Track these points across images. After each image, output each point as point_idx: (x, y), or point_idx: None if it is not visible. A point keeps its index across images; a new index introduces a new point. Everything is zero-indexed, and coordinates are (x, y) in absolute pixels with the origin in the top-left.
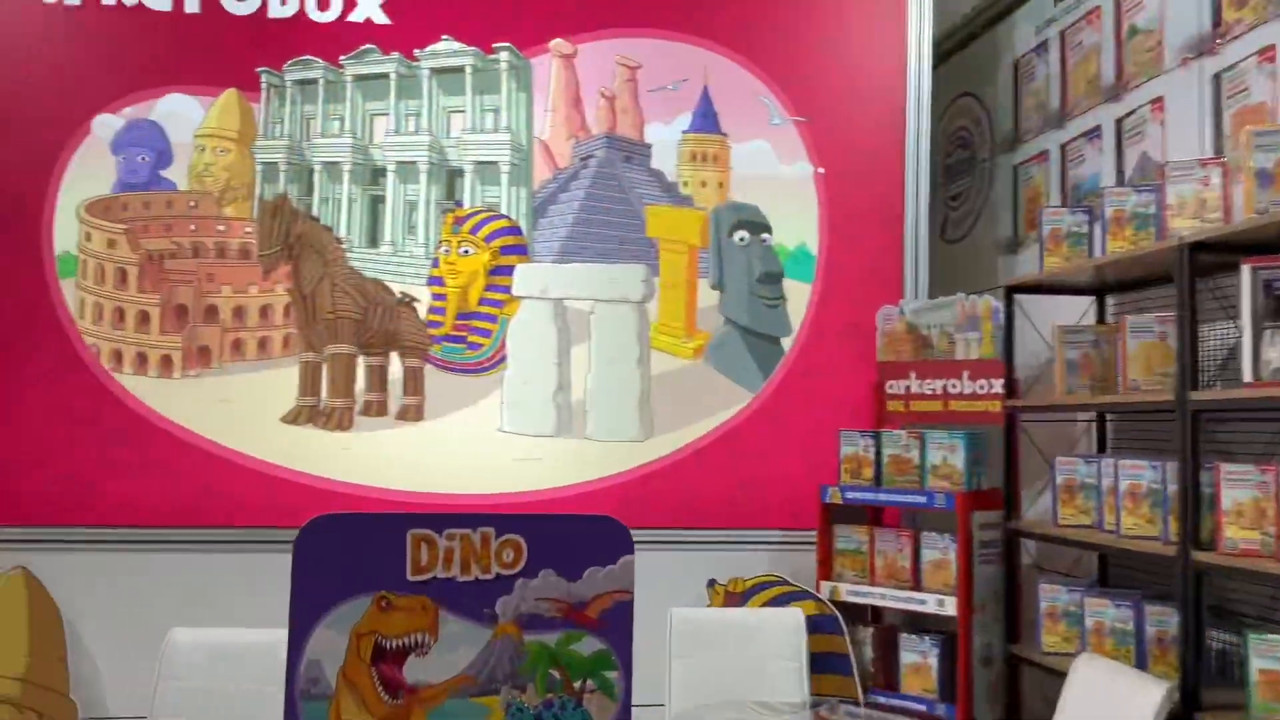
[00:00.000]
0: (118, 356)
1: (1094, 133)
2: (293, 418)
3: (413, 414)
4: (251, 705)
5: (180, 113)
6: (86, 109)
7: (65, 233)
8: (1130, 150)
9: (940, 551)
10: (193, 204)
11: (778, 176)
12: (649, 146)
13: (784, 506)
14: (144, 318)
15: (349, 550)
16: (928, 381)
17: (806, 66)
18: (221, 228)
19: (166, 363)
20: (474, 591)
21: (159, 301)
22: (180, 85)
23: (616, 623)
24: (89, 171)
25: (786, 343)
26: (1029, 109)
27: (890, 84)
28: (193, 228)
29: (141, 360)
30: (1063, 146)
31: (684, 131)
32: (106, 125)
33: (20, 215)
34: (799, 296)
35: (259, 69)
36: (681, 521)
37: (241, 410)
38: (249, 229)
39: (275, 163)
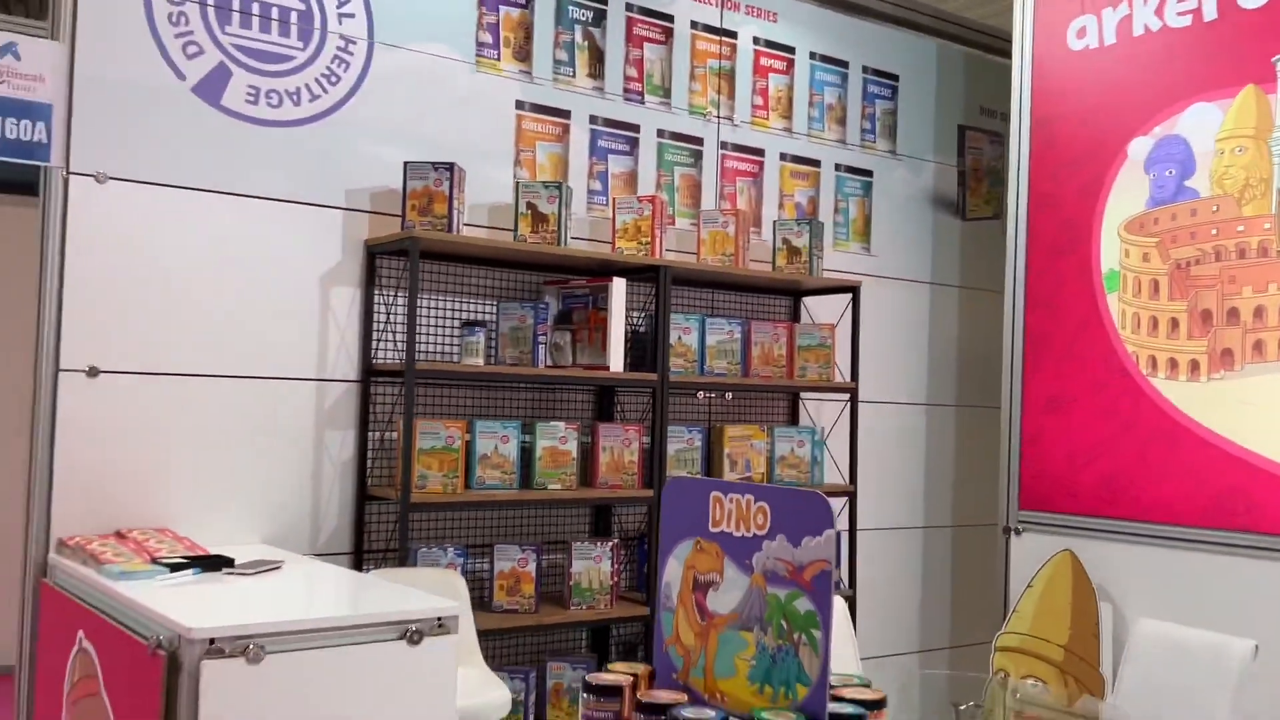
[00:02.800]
0: (1153, 362)
1: None
2: None
3: None
4: (1185, 699)
5: (1202, 122)
6: (1122, 136)
7: (1109, 252)
8: None
9: None
10: (1214, 209)
11: None
12: None
13: None
14: (1174, 324)
15: (687, 504)
16: None
17: None
18: (1240, 228)
19: (1194, 366)
20: (742, 545)
21: (1186, 308)
22: (1202, 95)
23: (821, 588)
24: (1126, 193)
25: None
26: None
27: None
28: (1214, 232)
29: (1172, 365)
30: None
31: None
32: (1139, 147)
33: (1075, 240)
34: None
35: (1275, 58)
36: None
37: (1266, 414)
38: (1267, 225)
39: None
